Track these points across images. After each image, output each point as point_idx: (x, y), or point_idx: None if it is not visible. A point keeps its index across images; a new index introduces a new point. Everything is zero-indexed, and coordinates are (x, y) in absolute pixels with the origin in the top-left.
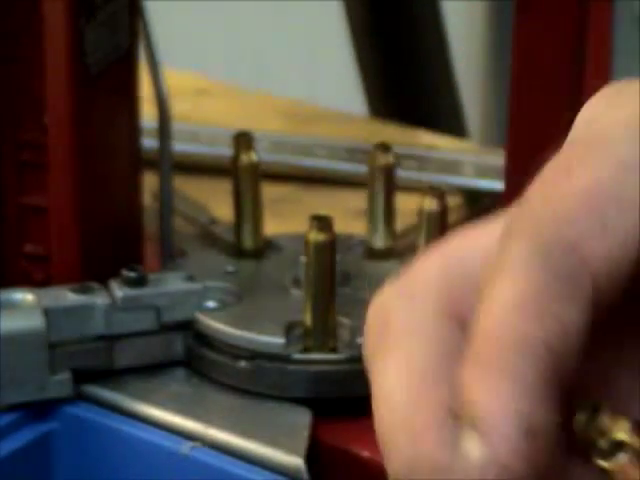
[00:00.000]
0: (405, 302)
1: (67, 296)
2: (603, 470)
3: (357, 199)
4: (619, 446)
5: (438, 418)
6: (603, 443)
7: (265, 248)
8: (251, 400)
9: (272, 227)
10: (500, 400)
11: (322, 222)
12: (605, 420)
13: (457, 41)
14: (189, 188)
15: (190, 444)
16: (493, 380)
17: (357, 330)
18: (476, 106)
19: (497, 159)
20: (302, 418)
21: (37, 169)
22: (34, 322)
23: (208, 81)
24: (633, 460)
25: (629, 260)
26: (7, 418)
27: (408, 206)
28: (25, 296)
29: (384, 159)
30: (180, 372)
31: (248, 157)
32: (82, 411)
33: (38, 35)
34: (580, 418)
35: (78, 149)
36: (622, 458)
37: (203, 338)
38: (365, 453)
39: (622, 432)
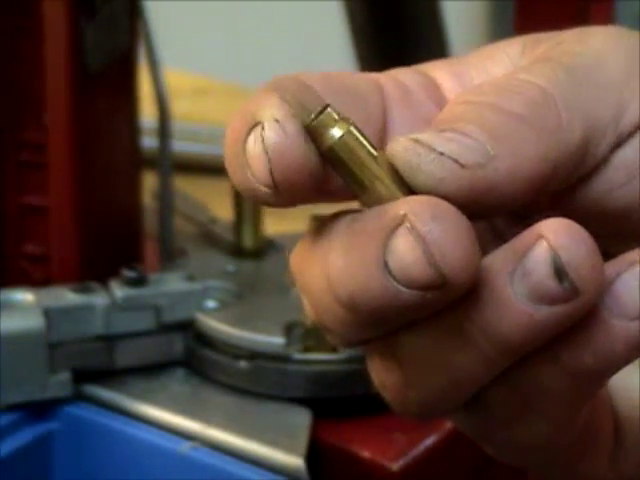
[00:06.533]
0: None
1: (67, 296)
2: (329, 151)
3: None
4: (333, 123)
5: None
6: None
7: (265, 248)
8: (251, 400)
9: (272, 227)
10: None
11: None
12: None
13: (457, 41)
14: (189, 188)
15: (190, 444)
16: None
17: None
18: None
19: None
20: (302, 418)
21: (37, 169)
22: (34, 322)
23: (208, 81)
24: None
25: None
26: (7, 418)
27: None
28: (25, 296)
29: None
30: (180, 372)
31: None
32: (82, 411)
33: (38, 35)
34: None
35: (78, 149)
36: (336, 133)
37: (203, 338)
38: (365, 453)
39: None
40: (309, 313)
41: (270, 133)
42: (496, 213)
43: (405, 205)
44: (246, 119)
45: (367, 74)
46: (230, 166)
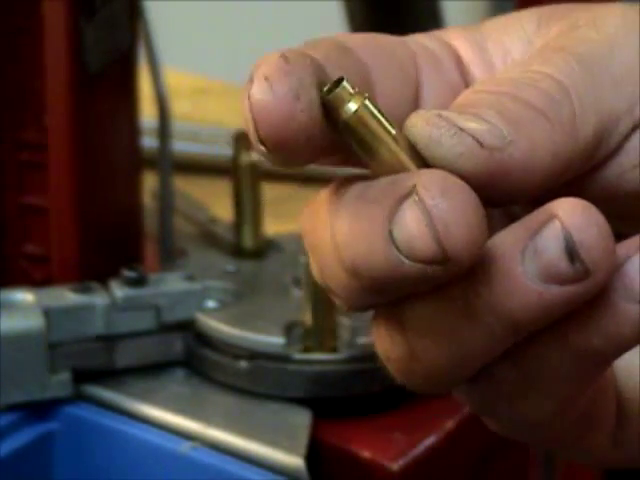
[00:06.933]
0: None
1: (67, 296)
2: (344, 125)
3: None
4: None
5: None
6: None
7: (265, 248)
8: (251, 400)
9: (272, 227)
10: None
11: None
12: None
13: None
14: (189, 188)
15: (190, 444)
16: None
17: (357, 330)
18: None
19: None
20: (302, 418)
21: (37, 169)
22: (34, 322)
23: (208, 81)
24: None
25: None
26: (7, 418)
27: None
28: (25, 296)
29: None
30: (180, 372)
31: (248, 157)
32: (82, 411)
33: (38, 35)
34: (325, 92)
35: (78, 149)
36: (351, 106)
37: (203, 338)
38: (365, 453)
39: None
40: (315, 274)
41: (255, 90)
42: (507, 202)
43: (417, 177)
44: (249, 76)
45: (398, 38)
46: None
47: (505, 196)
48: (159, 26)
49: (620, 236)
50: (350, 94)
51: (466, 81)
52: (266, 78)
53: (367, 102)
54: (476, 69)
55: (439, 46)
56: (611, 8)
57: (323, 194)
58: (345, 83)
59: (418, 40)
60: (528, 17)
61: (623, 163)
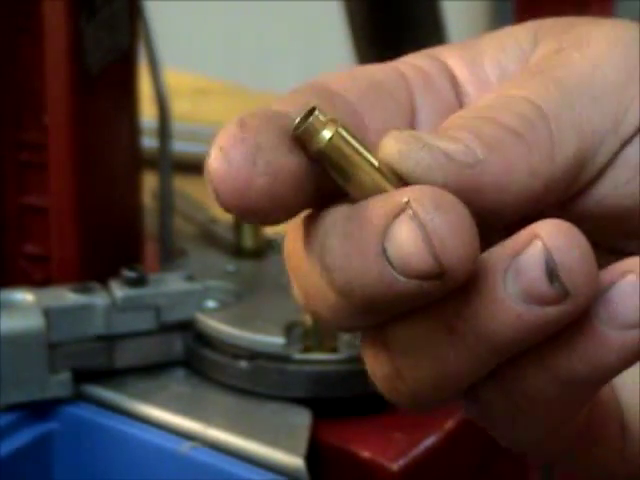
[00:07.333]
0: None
1: (67, 296)
2: (319, 154)
3: None
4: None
5: None
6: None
7: (265, 248)
8: (251, 400)
9: (272, 227)
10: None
11: None
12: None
13: (457, 41)
14: (189, 188)
15: (190, 444)
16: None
17: None
18: None
19: None
20: (302, 418)
21: (37, 169)
22: (34, 322)
23: (208, 81)
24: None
25: None
26: (7, 418)
27: None
28: (25, 296)
29: None
30: (180, 372)
31: None
32: (82, 411)
33: (38, 35)
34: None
35: (78, 149)
36: (325, 135)
37: (203, 338)
38: (365, 453)
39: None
40: (298, 297)
41: (211, 160)
42: (483, 222)
43: (409, 193)
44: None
45: (388, 64)
46: None
47: (480, 215)
48: (159, 26)
49: (616, 250)
50: (323, 123)
51: (462, 101)
52: (221, 148)
53: (340, 129)
54: (472, 88)
55: (434, 66)
56: (600, 24)
57: (303, 218)
58: (317, 113)
59: (411, 61)
60: (525, 33)
61: (615, 179)
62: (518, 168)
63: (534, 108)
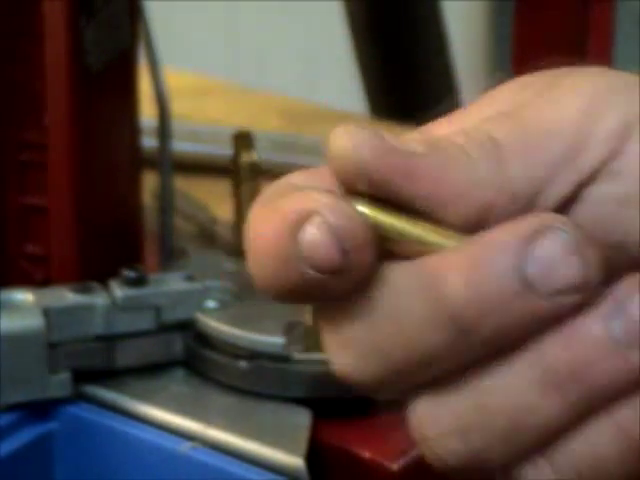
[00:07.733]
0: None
1: (67, 296)
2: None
3: None
4: None
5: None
6: None
7: None
8: (251, 400)
9: None
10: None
11: None
12: None
13: (457, 41)
14: (189, 188)
15: (190, 444)
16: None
17: None
18: None
19: None
20: (302, 418)
21: (37, 169)
22: (34, 322)
23: (208, 81)
24: None
25: None
26: (7, 418)
27: None
28: (25, 296)
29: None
30: (180, 372)
31: (248, 157)
32: (82, 411)
33: (38, 35)
34: None
35: (78, 149)
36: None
37: (203, 338)
38: (365, 453)
39: None
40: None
41: None
42: (422, 211)
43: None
44: None
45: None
46: None
47: (414, 202)
48: (159, 26)
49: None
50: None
51: None
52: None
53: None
54: None
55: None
56: (582, 73)
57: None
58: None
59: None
60: (503, 95)
61: (595, 214)
62: (459, 168)
63: (484, 133)
